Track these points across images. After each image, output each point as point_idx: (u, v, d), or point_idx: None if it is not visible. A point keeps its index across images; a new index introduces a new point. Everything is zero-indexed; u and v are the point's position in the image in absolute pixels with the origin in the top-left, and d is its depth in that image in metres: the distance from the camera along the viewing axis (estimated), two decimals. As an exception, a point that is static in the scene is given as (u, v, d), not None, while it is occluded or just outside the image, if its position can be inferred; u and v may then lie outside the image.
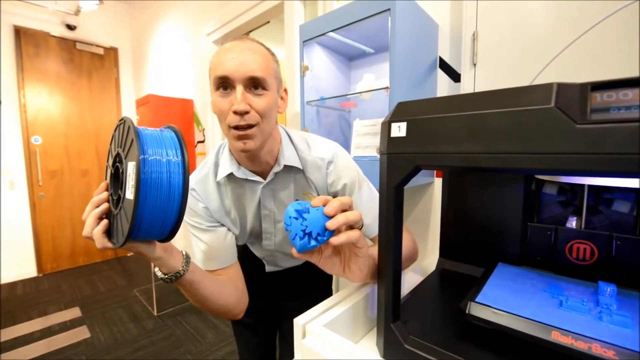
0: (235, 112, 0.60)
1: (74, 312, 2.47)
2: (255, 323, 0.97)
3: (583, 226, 0.53)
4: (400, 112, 0.38)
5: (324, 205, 0.43)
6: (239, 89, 0.60)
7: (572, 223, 0.55)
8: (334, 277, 1.38)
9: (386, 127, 0.38)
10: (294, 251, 0.44)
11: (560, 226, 0.54)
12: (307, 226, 0.41)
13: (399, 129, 0.37)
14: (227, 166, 0.71)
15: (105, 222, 0.47)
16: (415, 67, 1.00)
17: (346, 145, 0.98)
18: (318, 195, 0.76)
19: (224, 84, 0.61)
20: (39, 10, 3.16)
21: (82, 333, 2.17)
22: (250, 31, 2.20)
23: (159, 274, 0.56)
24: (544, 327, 0.36)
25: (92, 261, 3.62)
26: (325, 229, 0.42)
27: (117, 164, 0.48)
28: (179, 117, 2.66)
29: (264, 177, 0.72)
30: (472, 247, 0.63)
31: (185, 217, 0.54)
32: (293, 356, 0.45)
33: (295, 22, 1.66)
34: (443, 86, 1.13)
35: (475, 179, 0.61)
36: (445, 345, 0.39)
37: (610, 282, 0.43)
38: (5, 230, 3.09)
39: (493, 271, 0.53)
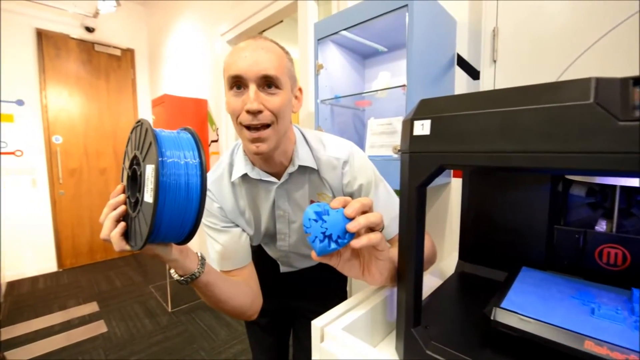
0: (248, 111, 0.59)
1: (92, 307, 2.54)
2: (269, 323, 0.96)
3: (614, 230, 0.50)
4: (423, 109, 0.36)
5: (344, 207, 0.42)
6: (252, 87, 0.59)
7: (602, 226, 0.52)
8: (348, 278, 1.36)
9: (408, 125, 0.37)
10: (313, 254, 0.43)
11: (590, 229, 0.52)
12: (327, 228, 0.40)
13: (422, 127, 0.35)
14: (242, 167, 0.71)
15: (122, 224, 0.47)
16: (433, 65, 0.98)
17: (360, 144, 0.97)
18: (333, 195, 0.75)
19: (237, 83, 0.61)
20: (59, 13, 3.25)
21: (99, 327, 2.23)
22: (263, 30, 2.21)
23: (175, 276, 0.56)
24: (576, 336, 0.34)
25: (109, 257, 3.72)
26: (346, 232, 0.41)
27: (135, 166, 0.47)
28: (193, 117, 2.69)
29: (279, 178, 0.72)
30: (493, 250, 0.61)
31: None
32: (306, 357, 0.44)
33: (309, 20, 1.65)
34: (461, 84, 1.10)
35: (498, 179, 0.59)
36: (469, 352, 0.37)
37: (646, 289, 0.40)
38: (29, 226, 3.21)
39: (517, 275, 0.51)
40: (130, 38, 3.80)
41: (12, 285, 3.02)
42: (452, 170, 1.15)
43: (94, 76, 3.56)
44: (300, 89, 0.72)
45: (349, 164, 0.72)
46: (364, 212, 0.42)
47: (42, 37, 3.22)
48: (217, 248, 0.72)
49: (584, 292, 0.45)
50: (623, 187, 0.50)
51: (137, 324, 2.27)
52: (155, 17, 3.65)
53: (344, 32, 1.12)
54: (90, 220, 3.57)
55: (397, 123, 1.08)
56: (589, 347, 0.33)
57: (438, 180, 1.13)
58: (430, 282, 0.62)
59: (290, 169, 0.70)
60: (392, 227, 0.68)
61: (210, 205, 0.72)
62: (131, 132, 0.51)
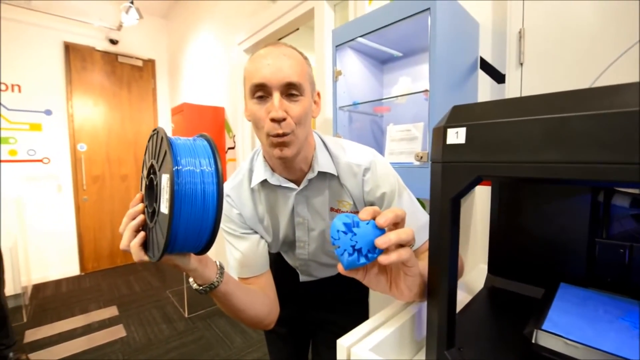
0: (272, 120, 0.59)
1: (112, 311, 2.59)
2: (288, 333, 0.94)
3: (665, 244, 0.46)
4: (457, 116, 0.34)
5: (374, 219, 0.40)
6: (276, 95, 0.59)
7: (650, 240, 0.48)
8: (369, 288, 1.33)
9: (441, 132, 0.35)
10: (340, 267, 0.41)
11: (636, 243, 0.48)
12: (357, 242, 0.38)
13: (456, 135, 0.33)
14: (261, 172, 0.70)
15: (142, 234, 0.46)
16: (456, 69, 0.95)
17: (379, 151, 0.95)
18: (353, 203, 0.73)
19: (260, 90, 0.60)
20: (85, 27, 3.40)
21: (118, 331, 2.26)
22: (279, 39, 2.23)
23: (194, 285, 0.55)
24: (632, 365, 0.31)
25: (129, 262, 3.80)
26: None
27: (152, 175, 0.47)
28: (211, 124, 2.74)
29: (298, 184, 0.71)
30: (526, 264, 0.57)
31: None
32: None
33: (325, 27, 1.65)
34: (485, 88, 1.06)
35: (531, 187, 0.56)
36: (509, 378, 0.34)
37: None
38: (54, 231, 3.33)
39: (556, 293, 0.47)
40: (151, 49, 3.93)
41: (37, 288, 3.12)
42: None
43: (117, 86, 3.69)
44: (318, 94, 0.71)
45: (370, 172, 0.70)
46: (395, 224, 0.40)
47: (70, 49, 3.37)
48: (236, 254, 0.71)
49: (634, 313, 0.41)
50: (674, 198, 0.46)
51: (154, 329, 2.30)
52: (175, 29, 3.76)
53: (360, 39, 1.11)
54: (111, 225, 3.67)
55: (417, 129, 1.05)
56: (649, 378, 0.29)
57: (461, 188, 1.09)
58: (458, 297, 0.59)
59: (310, 175, 0.69)
60: (418, 237, 0.66)
61: (229, 211, 0.72)
62: (148, 141, 0.50)
